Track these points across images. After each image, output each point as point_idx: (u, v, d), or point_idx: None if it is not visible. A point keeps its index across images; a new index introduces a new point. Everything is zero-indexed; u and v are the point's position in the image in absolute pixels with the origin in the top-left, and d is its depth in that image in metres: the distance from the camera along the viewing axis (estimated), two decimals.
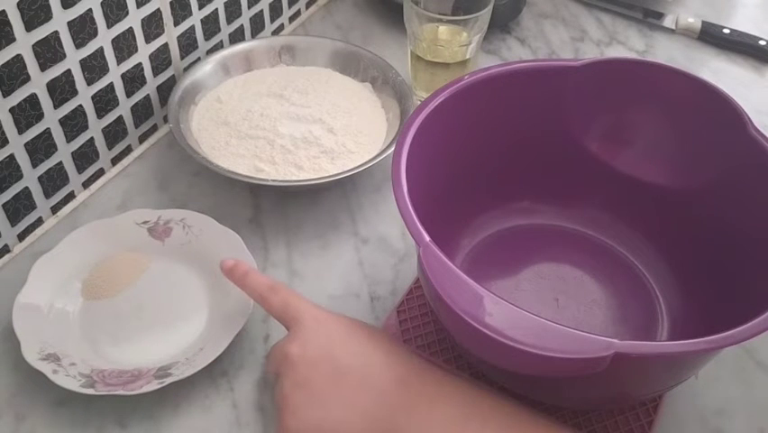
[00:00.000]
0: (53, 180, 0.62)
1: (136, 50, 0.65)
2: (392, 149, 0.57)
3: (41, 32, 0.56)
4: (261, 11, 0.80)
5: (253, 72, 0.74)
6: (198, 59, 0.73)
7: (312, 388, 0.47)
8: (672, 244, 0.58)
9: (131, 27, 0.64)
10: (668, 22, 0.88)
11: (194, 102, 0.70)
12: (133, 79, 0.67)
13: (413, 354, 0.50)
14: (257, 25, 0.80)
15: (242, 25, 0.78)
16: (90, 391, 0.50)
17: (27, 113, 0.57)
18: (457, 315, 0.40)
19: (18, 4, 0.53)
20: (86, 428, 0.51)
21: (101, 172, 0.67)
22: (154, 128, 0.72)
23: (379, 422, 0.45)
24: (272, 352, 0.51)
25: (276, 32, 0.83)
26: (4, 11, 0.52)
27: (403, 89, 0.71)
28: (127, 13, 0.62)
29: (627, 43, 0.86)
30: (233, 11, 0.75)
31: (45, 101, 0.58)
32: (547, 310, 0.56)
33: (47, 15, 0.55)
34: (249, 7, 0.77)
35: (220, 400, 0.53)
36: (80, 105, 0.62)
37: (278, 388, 0.49)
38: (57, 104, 0.59)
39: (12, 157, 0.58)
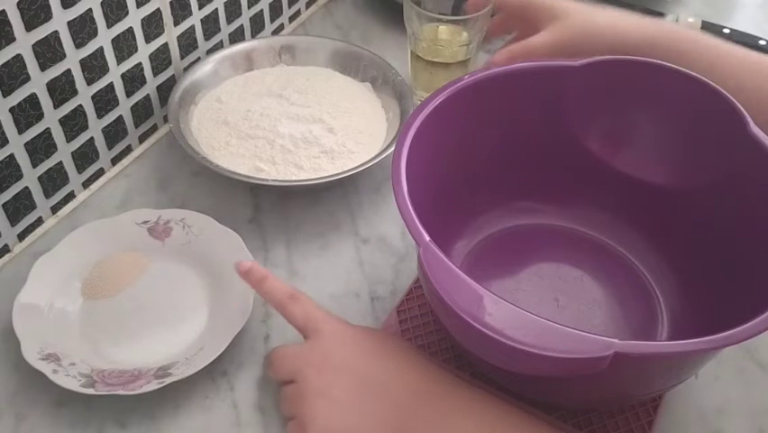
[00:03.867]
0: (53, 180, 0.62)
1: (136, 50, 0.65)
2: (392, 149, 0.57)
3: (41, 32, 0.56)
4: (261, 11, 0.80)
5: (253, 72, 0.74)
6: (198, 59, 0.73)
7: (333, 397, 0.47)
8: (672, 244, 0.58)
9: (131, 27, 0.64)
10: (668, 22, 0.88)
11: (194, 102, 0.70)
12: (133, 79, 0.67)
13: (433, 365, 0.50)
14: (257, 25, 0.80)
15: (241, 25, 0.78)
16: (90, 391, 0.50)
17: (27, 113, 0.57)
18: (457, 315, 0.40)
19: (18, 4, 0.53)
20: (87, 428, 0.51)
21: (101, 172, 0.67)
22: (154, 128, 0.72)
23: (398, 432, 0.46)
24: (284, 357, 0.51)
25: (276, 32, 0.84)
26: (4, 11, 0.52)
27: (403, 89, 0.71)
28: (127, 12, 0.63)
29: None
30: (232, 11, 0.75)
31: (45, 101, 0.58)
32: (547, 310, 0.56)
33: (47, 15, 0.55)
34: (249, 7, 0.77)
35: (220, 400, 0.53)
36: (80, 105, 0.62)
37: (290, 394, 0.49)
38: (57, 104, 0.59)
39: (12, 157, 0.58)
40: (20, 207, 0.60)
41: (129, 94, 0.67)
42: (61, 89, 0.59)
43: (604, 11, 0.66)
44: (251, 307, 0.55)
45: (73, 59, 0.59)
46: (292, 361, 0.50)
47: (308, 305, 0.52)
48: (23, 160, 0.59)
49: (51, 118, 0.60)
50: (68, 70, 0.59)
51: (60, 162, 0.62)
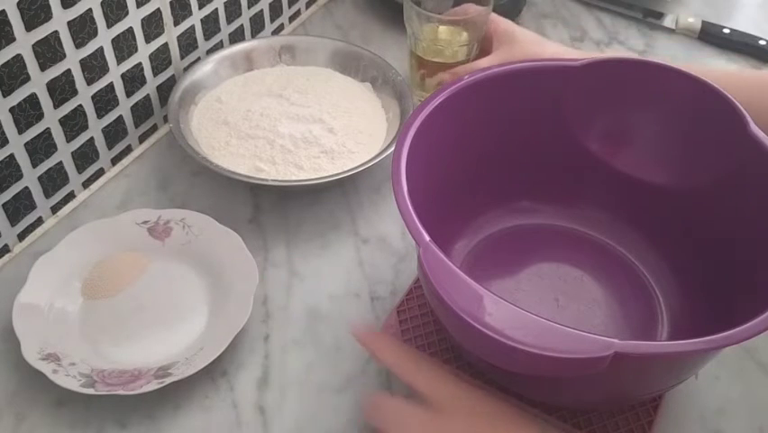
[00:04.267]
0: (53, 180, 0.62)
1: (136, 50, 0.65)
2: (392, 149, 0.57)
3: (41, 32, 0.56)
4: (261, 11, 0.80)
5: (253, 72, 0.74)
6: (198, 59, 0.73)
7: None
8: (672, 244, 0.58)
9: (131, 27, 0.64)
10: (668, 21, 0.88)
11: (194, 102, 0.70)
12: (133, 79, 0.67)
13: None
14: (257, 25, 0.80)
15: (241, 25, 0.78)
16: (90, 391, 0.50)
17: (27, 113, 0.57)
18: (457, 315, 0.40)
19: (18, 4, 0.53)
20: (87, 428, 0.51)
21: (101, 172, 0.67)
22: (154, 128, 0.72)
23: None
24: (394, 410, 0.47)
25: (276, 32, 0.83)
26: (4, 11, 0.52)
27: (403, 89, 0.71)
28: (127, 12, 0.62)
29: (627, 43, 0.86)
30: (232, 11, 0.75)
31: (45, 101, 0.58)
32: (547, 310, 0.56)
33: (47, 15, 0.55)
34: (249, 7, 0.77)
35: (220, 400, 0.53)
36: (80, 105, 0.62)
37: None
38: (57, 104, 0.59)
39: (12, 157, 0.58)
40: (20, 207, 0.60)
41: (129, 94, 0.67)
42: (61, 89, 0.59)
43: (552, 43, 0.70)
44: (251, 307, 0.55)
45: (73, 59, 0.59)
46: (403, 419, 0.46)
47: (433, 374, 0.48)
48: (23, 160, 0.59)
49: (51, 118, 0.60)
50: (68, 70, 0.59)
51: (60, 162, 0.62)
